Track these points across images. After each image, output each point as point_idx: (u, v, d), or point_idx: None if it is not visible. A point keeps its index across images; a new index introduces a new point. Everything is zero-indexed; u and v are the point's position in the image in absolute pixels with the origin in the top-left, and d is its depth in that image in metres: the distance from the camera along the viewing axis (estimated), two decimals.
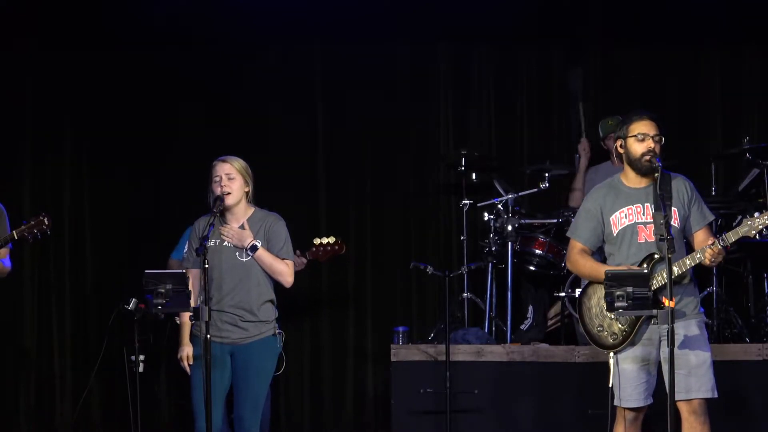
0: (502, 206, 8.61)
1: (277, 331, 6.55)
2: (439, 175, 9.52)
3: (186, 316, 6.43)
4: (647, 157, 5.83)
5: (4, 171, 9.22)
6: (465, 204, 8.82)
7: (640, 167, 5.88)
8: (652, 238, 5.80)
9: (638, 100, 9.29)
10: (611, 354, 5.86)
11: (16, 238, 6.89)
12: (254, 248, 6.42)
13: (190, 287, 6.19)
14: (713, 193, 8.74)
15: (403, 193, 9.51)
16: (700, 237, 5.92)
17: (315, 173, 9.48)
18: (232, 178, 6.47)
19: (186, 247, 6.61)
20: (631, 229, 5.90)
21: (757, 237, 5.75)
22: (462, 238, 8.89)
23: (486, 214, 8.68)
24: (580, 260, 6.02)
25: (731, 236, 5.70)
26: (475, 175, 8.95)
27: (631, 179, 5.95)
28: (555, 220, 8.62)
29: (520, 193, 8.73)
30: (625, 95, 9.43)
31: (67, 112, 9.40)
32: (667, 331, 5.45)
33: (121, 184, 9.39)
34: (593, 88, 9.54)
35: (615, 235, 5.94)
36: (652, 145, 5.84)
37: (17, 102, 9.35)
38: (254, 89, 9.44)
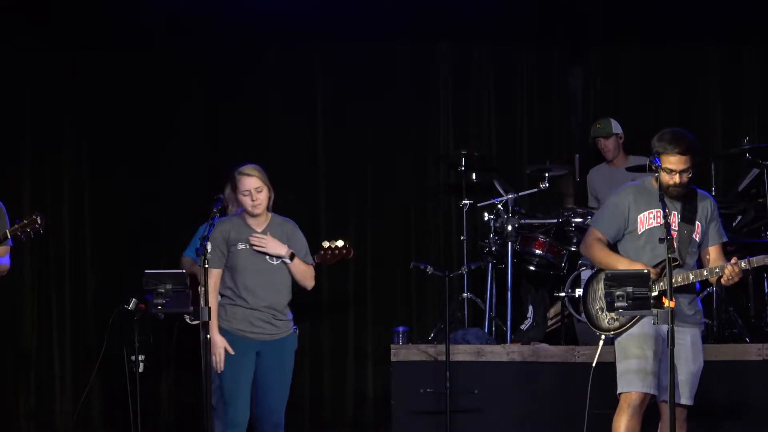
0: (502, 206, 8.61)
1: (293, 328, 6.78)
2: (439, 175, 9.52)
3: (213, 317, 6.52)
4: (674, 189, 5.96)
5: (4, 171, 9.22)
6: (465, 204, 8.82)
7: (666, 192, 5.98)
8: (674, 244, 5.87)
9: (638, 100, 9.30)
10: (602, 336, 6.01)
11: (9, 236, 6.89)
12: (292, 257, 6.67)
13: (212, 286, 6.46)
14: (713, 193, 8.73)
15: (403, 193, 9.51)
16: (713, 254, 6.11)
17: (315, 173, 9.48)
18: (260, 191, 6.60)
19: (209, 248, 6.59)
20: (657, 231, 5.96)
21: None
22: (462, 238, 8.89)
23: (486, 214, 8.68)
24: (596, 245, 6.13)
25: (755, 262, 5.85)
26: (475, 175, 8.95)
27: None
28: (555, 220, 8.63)
29: (520, 193, 8.74)
30: (625, 95, 9.44)
31: (67, 112, 9.40)
32: (667, 332, 5.47)
33: (121, 184, 9.39)
34: (593, 88, 9.55)
35: (640, 233, 6.05)
36: (678, 180, 5.95)
37: (17, 102, 9.35)
38: (254, 89, 9.44)
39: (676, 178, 5.95)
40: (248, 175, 6.58)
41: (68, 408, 9.24)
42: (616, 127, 8.91)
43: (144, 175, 9.39)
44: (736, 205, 8.56)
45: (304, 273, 6.74)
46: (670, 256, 5.59)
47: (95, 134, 9.39)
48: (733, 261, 5.87)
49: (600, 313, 6.05)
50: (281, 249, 6.62)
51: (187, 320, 8.00)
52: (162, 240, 9.22)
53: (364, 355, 9.39)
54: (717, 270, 5.89)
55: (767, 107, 9.38)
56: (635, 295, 5.54)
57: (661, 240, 5.66)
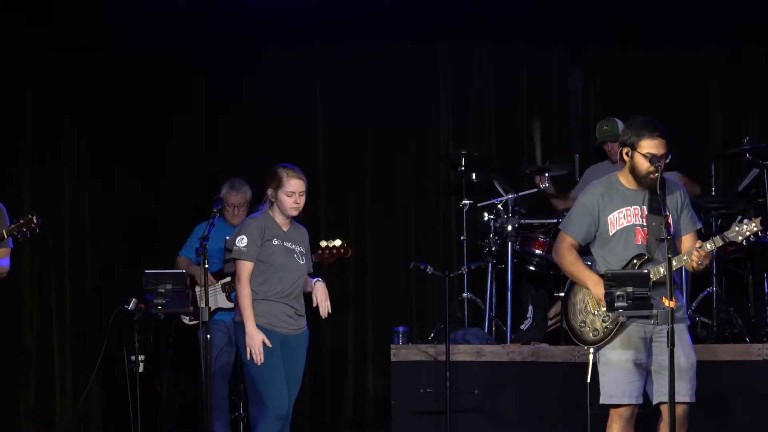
0: (502, 206, 8.61)
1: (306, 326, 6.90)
2: (439, 175, 9.52)
3: (249, 309, 6.56)
4: (653, 176, 5.83)
5: (4, 171, 9.22)
6: (465, 204, 8.82)
7: (643, 182, 5.89)
8: (645, 240, 5.82)
9: (638, 100, 9.30)
10: (591, 350, 5.93)
11: (5, 236, 6.88)
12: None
13: (245, 278, 6.52)
14: (713, 193, 8.74)
15: (403, 193, 9.51)
16: (688, 242, 5.96)
17: (315, 173, 9.47)
18: (302, 195, 6.72)
19: (245, 241, 6.62)
20: (629, 230, 5.91)
21: (744, 243, 5.74)
22: (462, 238, 8.88)
23: (486, 214, 8.68)
24: (567, 256, 6.05)
25: (718, 240, 5.73)
26: (475, 175, 8.95)
27: (631, 182, 5.95)
28: (555, 220, 8.61)
29: (520, 193, 8.73)
30: (625, 95, 9.43)
31: (67, 112, 9.40)
32: (667, 332, 5.45)
33: (121, 184, 9.39)
34: (593, 88, 9.55)
35: (611, 234, 5.94)
36: (661, 165, 5.83)
37: (17, 102, 9.34)
38: (254, 89, 9.44)
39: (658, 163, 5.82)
40: (298, 178, 6.70)
41: (68, 408, 9.24)
42: (621, 129, 8.88)
43: (144, 175, 9.39)
44: (736, 205, 8.55)
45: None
46: (670, 256, 5.56)
47: (95, 134, 9.39)
48: (698, 245, 5.75)
49: (582, 327, 5.96)
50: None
51: (185, 321, 8.01)
52: (162, 240, 9.22)
53: (364, 355, 9.39)
54: (685, 257, 5.76)
55: (767, 107, 9.38)
56: (635, 295, 5.52)
57: (661, 240, 5.63)
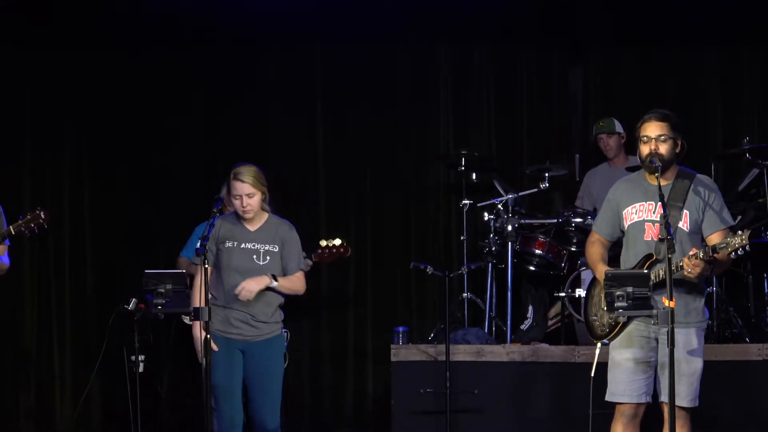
0: (502, 206, 8.61)
1: (282, 330, 6.71)
2: (439, 175, 9.52)
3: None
4: (647, 159, 5.85)
5: (4, 171, 9.22)
6: (465, 204, 8.83)
7: (646, 168, 5.89)
8: (658, 237, 5.82)
9: (638, 100, 9.29)
10: (598, 344, 5.98)
11: (13, 233, 6.84)
12: (274, 279, 6.57)
13: (195, 282, 6.44)
14: None
15: (403, 193, 9.51)
16: (714, 241, 5.83)
17: (315, 173, 9.48)
18: (252, 197, 6.55)
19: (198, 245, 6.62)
20: (639, 226, 5.92)
21: (733, 255, 5.70)
22: (462, 238, 8.89)
23: (486, 214, 8.68)
24: (588, 249, 6.13)
25: (709, 251, 5.67)
26: (475, 175, 8.95)
27: (652, 176, 5.92)
28: (555, 220, 8.63)
29: (520, 193, 8.74)
30: (625, 95, 9.43)
31: (67, 112, 9.39)
32: (667, 332, 5.45)
33: (121, 184, 9.40)
34: (593, 88, 9.55)
35: (626, 229, 5.98)
36: (654, 146, 5.84)
37: (17, 102, 9.35)
38: (254, 89, 9.44)
39: (652, 145, 5.81)
40: (241, 181, 6.54)
41: (68, 408, 9.24)
42: (618, 127, 8.96)
43: (144, 175, 9.39)
44: (736, 205, 8.55)
45: (291, 287, 6.68)
46: (670, 256, 5.55)
47: (95, 134, 9.40)
48: (691, 252, 5.69)
49: (594, 320, 6.03)
50: (262, 282, 6.53)
51: (185, 320, 8.01)
52: (162, 240, 9.22)
53: (364, 355, 9.38)
54: (680, 263, 5.70)
55: (767, 107, 9.38)
56: (635, 295, 5.52)
57: (660, 239, 5.62)
